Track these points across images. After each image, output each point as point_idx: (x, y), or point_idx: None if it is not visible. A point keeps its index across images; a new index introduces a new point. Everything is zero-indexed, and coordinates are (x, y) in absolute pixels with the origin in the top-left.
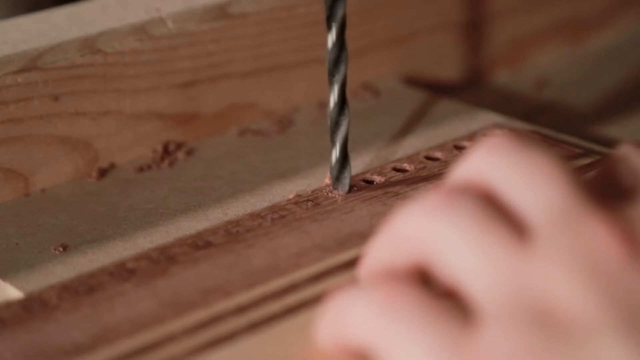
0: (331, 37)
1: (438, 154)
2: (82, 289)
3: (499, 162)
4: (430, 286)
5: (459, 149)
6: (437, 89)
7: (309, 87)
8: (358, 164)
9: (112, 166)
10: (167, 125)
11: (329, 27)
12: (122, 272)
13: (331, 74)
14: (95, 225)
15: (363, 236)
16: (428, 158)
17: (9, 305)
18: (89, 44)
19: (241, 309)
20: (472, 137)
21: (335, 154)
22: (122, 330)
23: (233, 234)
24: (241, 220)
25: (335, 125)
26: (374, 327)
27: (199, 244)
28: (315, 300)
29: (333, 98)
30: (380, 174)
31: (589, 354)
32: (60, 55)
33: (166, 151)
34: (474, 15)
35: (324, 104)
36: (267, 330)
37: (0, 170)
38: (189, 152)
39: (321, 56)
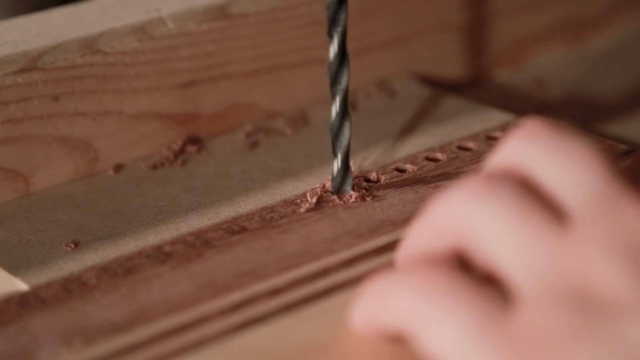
0: (333, 48)
1: (470, 144)
2: (120, 270)
3: (535, 148)
4: (468, 271)
5: (492, 139)
6: (438, 89)
7: (309, 87)
8: (385, 157)
9: (109, 166)
10: (167, 125)
11: (331, 37)
12: (159, 255)
13: (333, 85)
14: (107, 222)
15: (395, 223)
16: (460, 148)
17: (49, 285)
18: (89, 44)
19: (275, 292)
20: (504, 127)
21: (337, 164)
22: (158, 311)
23: (267, 219)
24: (275, 207)
25: (337, 135)
26: (410, 311)
27: (234, 228)
28: (347, 285)
29: (335, 108)
30: (412, 162)
31: (628, 334)
32: (60, 55)
33: (181, 150)
34: (475, 15)
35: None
36: (299, 312)
37: (1, 170)
38: (202, 151)
39: (321, 56)
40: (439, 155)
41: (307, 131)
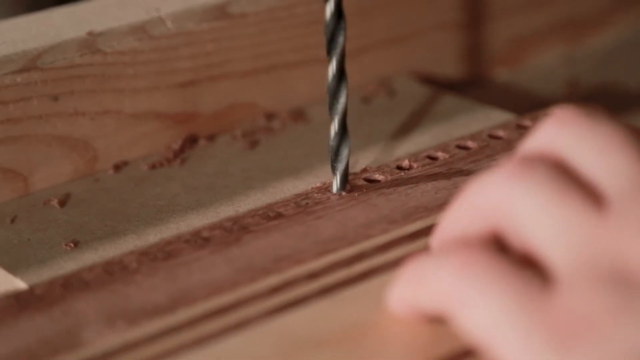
0: (329, 7)
1: (501, 133)
2: (160, 255)
3: (569, 133)
4: (505, 253)
5: (522, 128)
6: (437, 88)
7: (308, 86)
8: (385, 156)
9: (109, 166)
10: (166, 125)
11: (329, 58)
12: (198, 239)
13: (331, 105)
14: (106, 221)
15: (428, 209)
16: (491, 136)
17: (92, 268)
18: (88, 44)
19: (312, 276)
20: (534, 117)
21: (334, 127)
22: (199, 294)
23: (302, 206)
24: (310, 193)
25: (334, 98)
26: (449, 291)
27: (270, 214)
28: (383, 269)
29: (331, 70)
30: (444, 150)
31: None
32: (59, 55)
33: (180, 149)
34: (474, 14)
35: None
36: (337, 294)
37: (0, 170)
38: (201, 150)
39: (321, 55)
40: (469, 143)
41: (307, 130)
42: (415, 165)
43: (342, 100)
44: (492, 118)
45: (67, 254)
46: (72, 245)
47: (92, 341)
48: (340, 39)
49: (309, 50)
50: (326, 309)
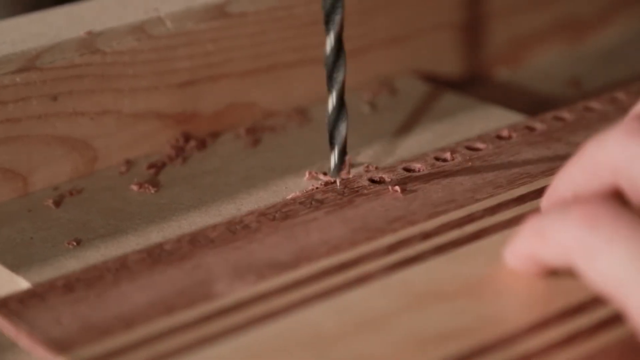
0: (329, 41)
1: (595, 105)
2: (278, 215)
3: None
4: (628, 206)
5: (616, 101)
6: (440, 87)
7: (308, 86)
8: (388, 154)
9: (109, 166)
10: (166, 124)
11: (327, 31)
12: (312, 202)
13: (329, 78)
14: (108, 220)
15: (531, 175)
16: (586, 109)
17: (215, 227)
18: (87, 44)
19: (425, 236)
20: (627, 91)
21: (334, 158)
22: (319, 251)
23: (409, 170)
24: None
25: (334, 129)
26: (575, 242)
27: (377, 179)
28: (492, 229)
29: (331, 102)
30: (542, 121)
31: None
32: (58, 55)
33: (181, 148)
34: (475, 13)
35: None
36: (451, 252)
37: (0, 170)
38: (202, 149)
39: (320, 55)
40: (566, 115)
41: (308, 129)
42: (514, 135)
43: (340, 73)
44: (495, 116)
45: (70, 253)
46: (74, 243)
47: (225, 293)
48: (338, 12)
49: (309, 50)
50: (442, 264)
